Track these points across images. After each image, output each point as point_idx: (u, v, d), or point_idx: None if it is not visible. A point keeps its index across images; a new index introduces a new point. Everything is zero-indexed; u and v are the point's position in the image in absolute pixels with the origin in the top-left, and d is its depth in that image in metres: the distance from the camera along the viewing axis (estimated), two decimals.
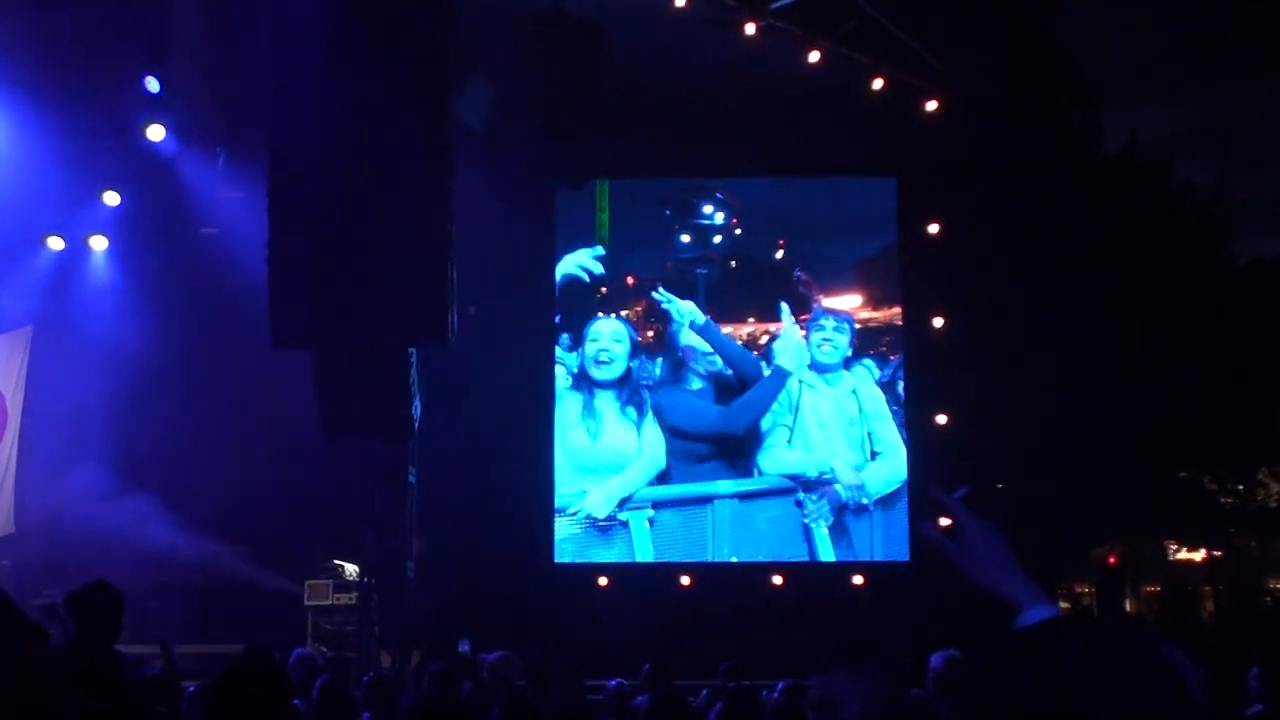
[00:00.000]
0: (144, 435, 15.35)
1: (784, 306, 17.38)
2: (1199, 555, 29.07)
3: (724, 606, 15.87)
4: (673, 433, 17.04)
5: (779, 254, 17.76)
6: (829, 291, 17.56)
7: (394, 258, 10.53)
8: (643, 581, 16.27)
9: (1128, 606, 25.88)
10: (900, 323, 17.30)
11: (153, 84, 14.52)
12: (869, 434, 17.22)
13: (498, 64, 14.55)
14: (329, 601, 15.35)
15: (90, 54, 13.84)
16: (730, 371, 17.20)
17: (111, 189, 15.36)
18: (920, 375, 16.88)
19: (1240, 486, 26.72)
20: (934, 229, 16.82)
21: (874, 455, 17.25)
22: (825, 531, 16.93)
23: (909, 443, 16.80)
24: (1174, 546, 29.79)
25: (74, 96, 14.01)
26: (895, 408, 17.25)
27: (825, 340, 17.36)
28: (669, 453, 17.00)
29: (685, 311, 17.13)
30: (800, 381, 17.25)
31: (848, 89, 15.81)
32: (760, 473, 17.09)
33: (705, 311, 17.24)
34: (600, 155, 16.00)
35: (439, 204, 10.62)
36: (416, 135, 10.56)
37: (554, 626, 14.76)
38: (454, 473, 15.97)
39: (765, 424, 17.12)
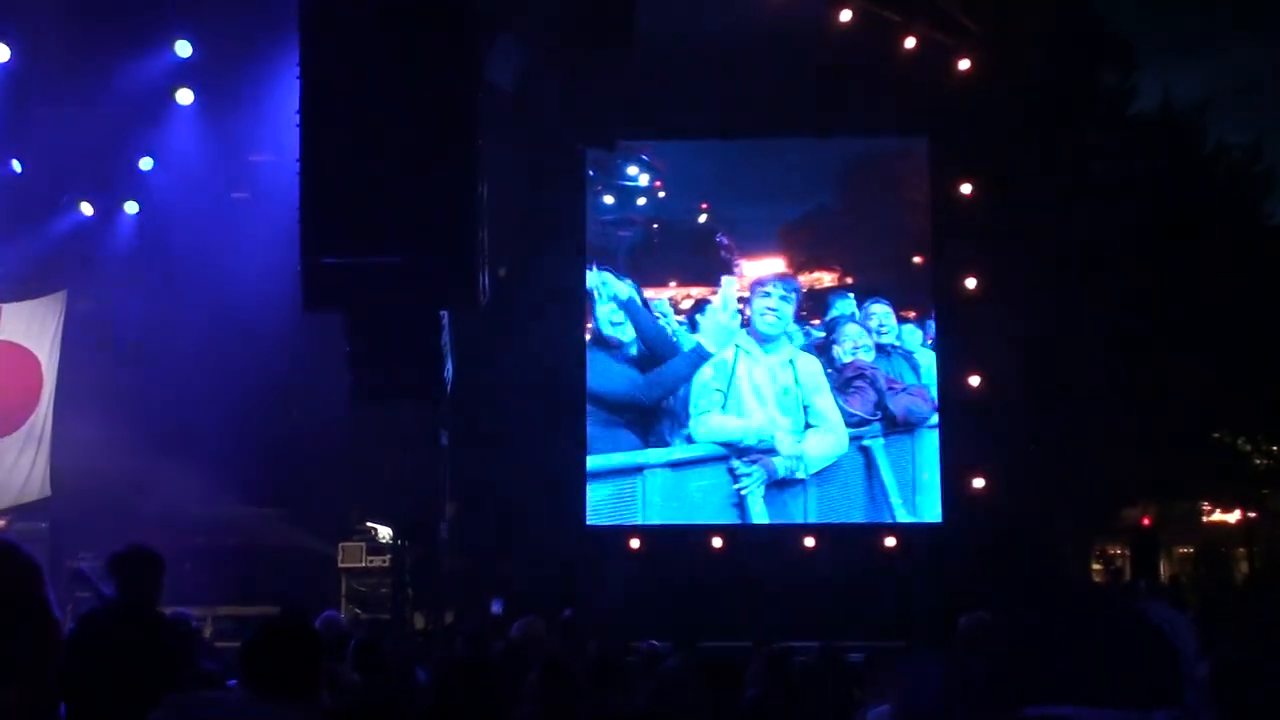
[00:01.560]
0: (178, 399, 15.42)
1: (726, 281, 17.13)
2: (1233, 517, 28.87)
3: (755, 568, 15.88)
4: (591, 398, 16.90)
5: (702, 218, 17.40)
6: (750, 255, 17.21)
7: (424, 222, 10.53)
8: (673, 543, 16.27)
9: (1162, 568, 25.78)
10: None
11: (184, 48, 14.53)
12: (805, 406, 16.83)
13: (528, 25, 14.48)
14: (363, 564, 15.42)
15: (121, 19, 13.86)
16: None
17: (143, 154, 15.40)
18: (953, 336, 16.76)
19: (1275, 448, 26.50)
20: (966, 189, 16.68)
21: (808, 427, 16.84)
22: (761, 502, 16.62)
23: (941, 404, 16.66)
24: (1208, 508, 29.58)
25: (105, 62, 14.04)
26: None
27: (770, 310, 17.04)
28: (590, 420, 16.94)
29: (615, 292, 17.07)
30: (737, 347, 16.95)
31: (880, 48, 15.69)
32: (692, 440, 16.79)
33: (628, 275, 17.06)
34: (630, 116, 15.97)
35: (469, 168, 10.61)
36: (446, 99, 10.54)
37: (586, 588, 14.78)
38: (486, 436, 16.00)
39: (698, 391, 16.84)
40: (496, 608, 12.15)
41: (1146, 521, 24.77)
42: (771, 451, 16.75)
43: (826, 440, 16.84)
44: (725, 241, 17.32)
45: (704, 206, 17.38)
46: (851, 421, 16.83)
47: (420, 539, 15.04)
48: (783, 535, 16.36)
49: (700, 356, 16.88)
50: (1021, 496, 16.22)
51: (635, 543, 16.37)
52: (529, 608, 9.68)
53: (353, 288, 10.65)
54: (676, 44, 15.12)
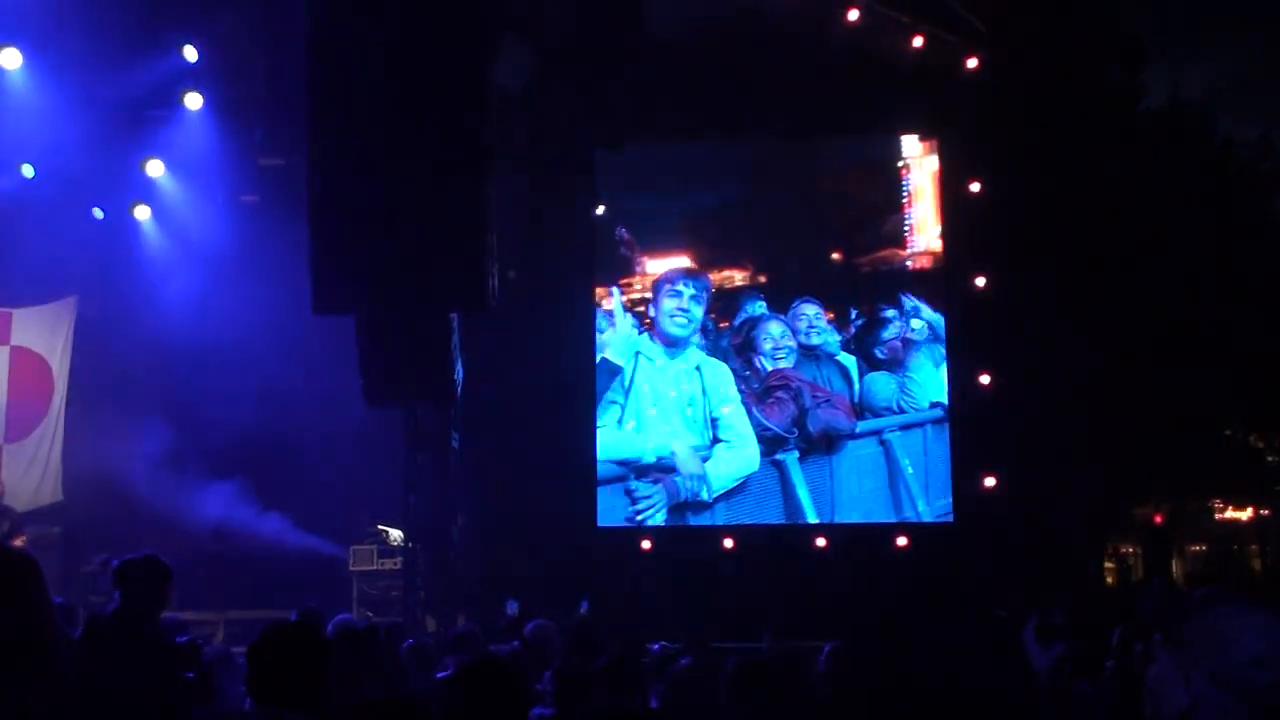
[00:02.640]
0: (188, 403, 15.45)
1: (615, 292, 16.62)
2: (1246, 514, 28.82)
3: (767, 568, 15.87)
4: None
5: (599, 209, 16.89)
6: (652, 253, 16.74)
7: (434, 224, 10.55)
8: (686, 545, 16.26)
9: (1174, 567, 25.72)
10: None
11: (191, 53, 14.56)
12: (713, 418, 16.14)
13: (537, 27, 14.49)
14: (374, 566, 15.43)
15: (130, 23, 13.89)
16: None
17: (153, 158, 15.43)
18: (963, 334, 16.73)
19: None
20: (975, 187, 16.66)
21: (716, 441, 16.19)
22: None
23: (952, 404, 16.61)
24: (1220, 506, 29.52)
25: (114, 66, 14.07)
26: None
27: (681, 310, 16.39)
28: None
29: None
30: (637, 353, 16.42)
31: (888, 47, 15.70)
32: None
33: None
34: (639, 116, 15.97)
35: (477, 170, 10.62)
36: (455, 102, 10.56)
37: (598, 589, 14.78)
38: (497, 437, 16.01)
39: (601, 404, 16.44)
40: (512, 609, 12.13)
41: (1159, 520, 24.72)
42: (673, 470, 16.10)
43: (735, 457, 16.08)
44: (625, 236, 16.76)
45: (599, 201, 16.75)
46: (765, 436, 16.17)
47: (432, 542, 15.04)
48: (793, 535, 16.32)
49: (613, 372, 16.45)
50: (1032, 495, 16.19)
51: (646, 544, 16.36)
52: (543, 608, 9.68)
53: (363, 290, 10.67)
54: (684, 45, 15.12)
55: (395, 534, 15.28)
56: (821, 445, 16.26)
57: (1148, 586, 9.86)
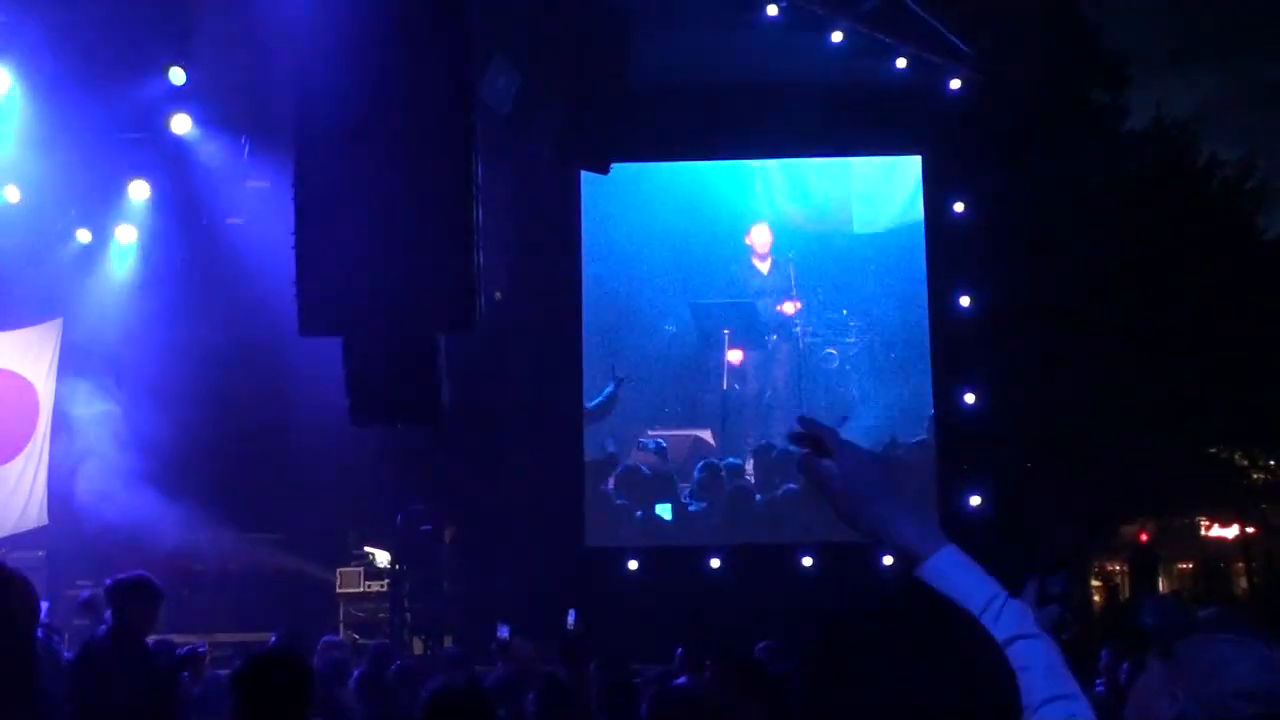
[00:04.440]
0: (175, 426, 15.41)
1: None
2: (1231, 532, 28.91)
3: (754, 587, 15.86)
4: None
5: None
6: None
7: (420, 245, 10.53)
8: (672, 564, 16.26)
9: (1161, 584, 25.76)
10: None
11: (177, 75, 14.57)
12: None
13: (524, 49, 14.53)
14: (360, 589, 15.42)
15: (115, 45, 13.89)
16: None
17: (138, 180, 15.42)
18: (948, 354, 16.77)
19: (1272, 462, 26.56)
20: (959, 207, 16.73)
21: None
22: None
23: (936, 422, 16.63)
24: (1206, 523, 29.63)
25: (99, 88, 14.06)
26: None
27: None
28: None
29: None
30: None
31: (871, 69, 15.76)
32: None
33: None
34: (625, 139, 16.01)
35: (463, 190, 10.62)
36: (440, 121, 10.56)
37: (586, 609, 14.76)
38: (483, 458, 16.00)
39: None
40: (503, 632, 12.12)
41: (1145, 538, 24.80)
42: None
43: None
44: None
45: None
46: None
47: (418, 564, 15.02)
48: (780, 554, 16.32)
49: None
50: (1018, 513, 16.22)
51: (634, 564, 16.36)
52: (530, 629, 9.68)
53: (349, 311, 10.64)
54: (670, 67, 15.17)
55: (382, 556, 15.27)
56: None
57: (1152, 600, 9.87)
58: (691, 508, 17.03)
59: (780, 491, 16.81)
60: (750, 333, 17.61)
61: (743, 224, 17.49)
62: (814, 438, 2.20)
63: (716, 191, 17.58)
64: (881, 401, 16.92)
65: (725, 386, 17.46)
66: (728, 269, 17.49)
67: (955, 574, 2.08)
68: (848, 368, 17.15)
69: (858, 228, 17.45)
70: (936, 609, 1.83)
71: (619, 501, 16.95)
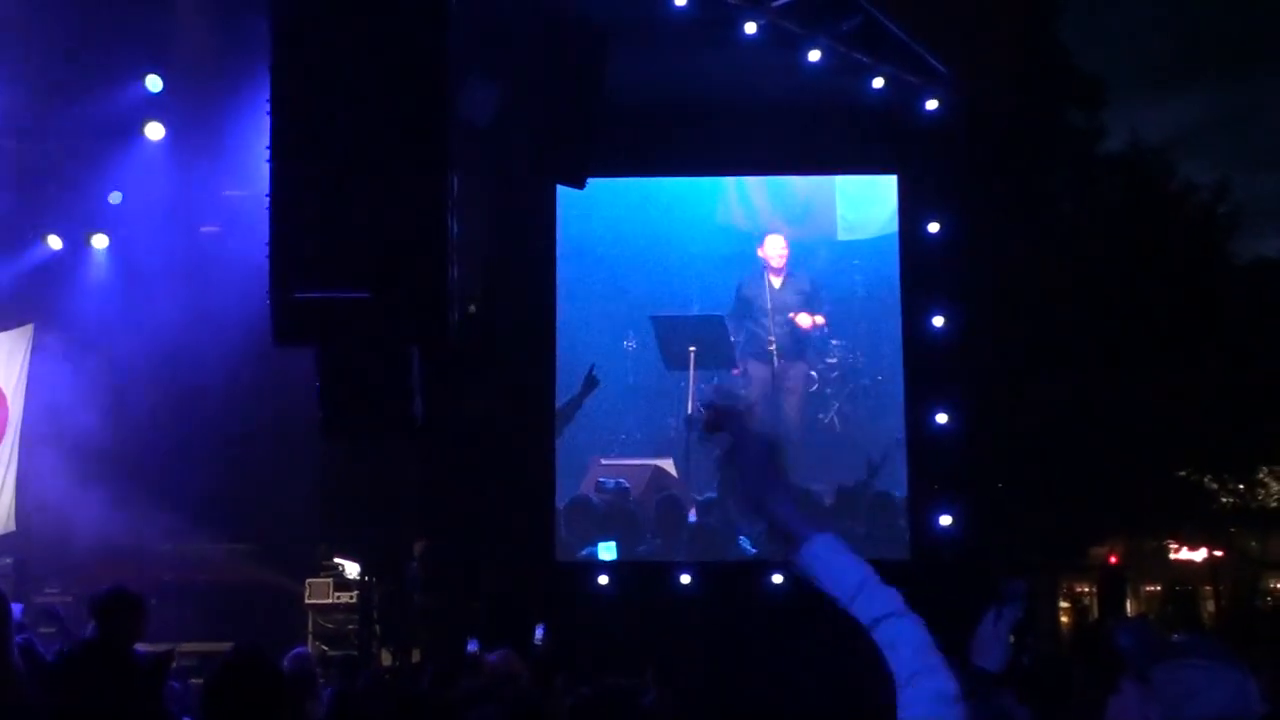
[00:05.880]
0: (145, 433, 15.34)
1: None
2: (1200, 555, 29.04)
3: (723, 605, 15.86)
4: None
5: None
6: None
7: (394, 257, 10.51)
8: (643, 581, 16.24)
9: (1129, 606, 25.85)
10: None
11: (153, 82, 14.53)
12: None
13: (501, 63, 14.54)
14: (329, 600, 15.36)
15: (91, 51, 13.85)
16: None
17: (112, 188, 15.37)
18: (920, 374, 16.81)
19: (1241, 486, 26.69)
20: (934, 227, 16.78)
21: None
22: None
23: (908, 442, 16.65)
24: (1175, 546, 29.75)
25: (74, 94, 14.02)
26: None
27: None
28: None
29: None
30: None
31: (848, 88, 15.82)
32: None
33: None
34: (601, 154, 16.02)
35: (439, 203, 10.61)
36: (417, 135, 10.55)
37: (556, 624, 14.74)
38: (455, 470, 15.98)
39: None
40: (472, 646, 12.10)
41: (1114, 560, 24.90)
42: None
43: None
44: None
45: None
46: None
47: (388, 575, 14.98)
48: (750, 570, 16.32)
49: None
50: (988, 535, 16.25)
51: (604, 579, 16.33)
52: (499, 645, 9.66)
53: (323, 322, 10.61)
54: (647, 83, 15.19)
55: (352, 567, 15.22)
56: None
57: (1126, 622, 9.90)
58: (640, 548, 16.36)
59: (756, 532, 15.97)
60: (719, 350, 16.81)
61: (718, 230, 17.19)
62: (716, 418, 2.37)
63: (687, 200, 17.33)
64: (856, 420, 16.82)
65: (690, 411, 16.57)
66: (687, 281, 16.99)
67: (829, 557, 2.17)
68: (828, 391, 16.84)
69: (842, 236, 17.18)
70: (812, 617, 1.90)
71: (562, 534, 16.36)
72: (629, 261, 17.03)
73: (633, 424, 16.73)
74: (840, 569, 2.12)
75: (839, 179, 17.26)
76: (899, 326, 16.77)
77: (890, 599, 2.12)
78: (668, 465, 16.56)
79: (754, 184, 17.33)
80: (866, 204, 17.25)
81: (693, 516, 16.40)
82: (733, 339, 16.83)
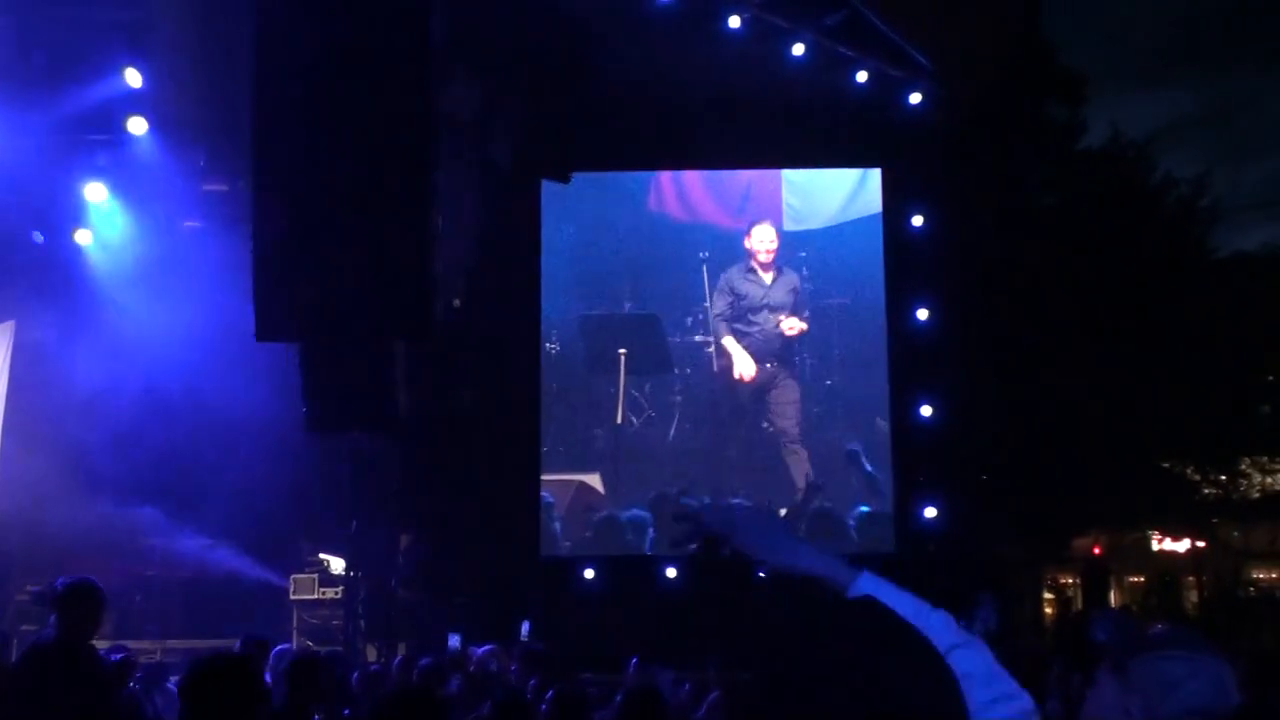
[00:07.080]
0: (127, 430, 15.28)
1: None
2: (1182, 546, 29.11)
3: (709, 598, 15.86)
4: None
5: None
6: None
7: (377, 252, 10.51)
8: (628, 574, 16.24)
9: (1112, 597, 25.92)
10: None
11: (134, 77, 14.47)
12: None
13: (486, 59, 14.52)
14: (314, 595, 15.33)
15: (72, 47, 13.79)
16: None
17: (94, 182, 15.30)
18: (905, 367, 16.82)
19: (1223, 477, 26.76)
20: (918, 220, 16.80)
21: None
22: None
23: (893, 435, 16.65)
24: (1157, 537, 29.81)
25: (56, 89, 13.95)
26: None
27: None
28: None
29: None
30: None
31: (833, 81, 15.83)
32: None
33: None
34: (585, 148, 16.01)
35: (421, 199, 10.61)
36: (401, 130, 10.54)
37: (541, 619, 14.74)
38: (440, 465, 15.95)
39: None
40: (454, 641, 12.09)
41: (1097, 551, 24.96)
42: None
43: None
44: None
45: None
46: None
47: (373, 570, 14.96)
48: (736, 564, 16.29)
49: None
50: (973, 526, 16.28)
51: (590, 573, 16.32)
52: (484, 641, 9.65)
53: (306, 318, 10.60)
54: (632, 76, 15.18)
55: (336, 563, 15.20)
56: None
57: (1104, 615, 9.92)
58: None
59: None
60: (653, 352, 15.95)
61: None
62: (696, 529, 2.38)
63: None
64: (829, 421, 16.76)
65: (620, 420, 16.02)
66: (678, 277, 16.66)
67: (883, 593, 2.16)
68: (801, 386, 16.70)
69: (789, 226, 16.85)
70: (879, 622, 1.85)
71: None
72: (558, 258, 16.63)
73: (554, 435, 16.09)
74: (896, 603, 2.13)
75: (786, 171, 17.08)
76: (856, 318, 16.73)
77: (950, 628, 2.13)
78: (594, 481, 16.00)
79: (690, 174, 16.97)
80: (814, 194, 17.01)
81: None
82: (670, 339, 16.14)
